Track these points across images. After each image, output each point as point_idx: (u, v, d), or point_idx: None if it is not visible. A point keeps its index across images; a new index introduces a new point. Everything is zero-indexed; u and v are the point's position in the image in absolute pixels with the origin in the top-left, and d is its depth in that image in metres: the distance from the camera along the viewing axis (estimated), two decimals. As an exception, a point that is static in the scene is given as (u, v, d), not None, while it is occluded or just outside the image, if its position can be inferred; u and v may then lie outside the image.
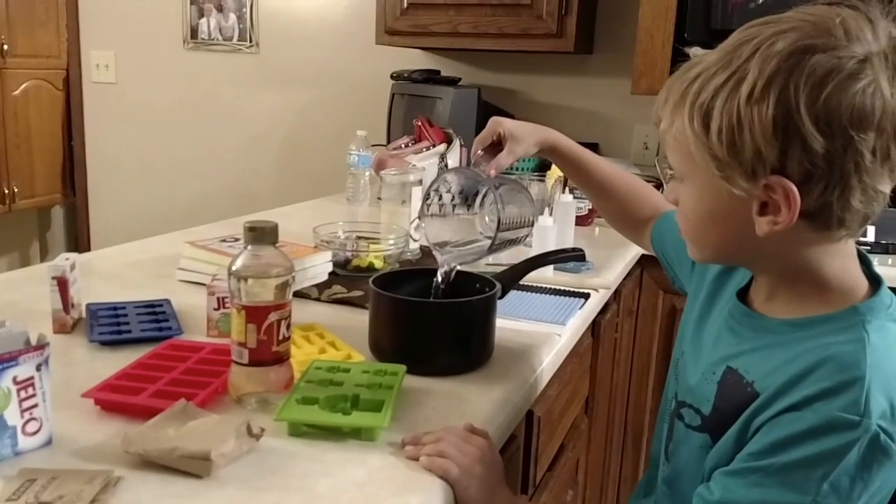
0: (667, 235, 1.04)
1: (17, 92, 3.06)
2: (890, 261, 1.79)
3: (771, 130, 0.63)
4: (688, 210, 0.75)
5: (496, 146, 1.06)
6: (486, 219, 1.04)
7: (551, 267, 1.42)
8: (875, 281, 0.74)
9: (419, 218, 1.08)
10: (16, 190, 3.09)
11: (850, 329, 0.68)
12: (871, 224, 1.82)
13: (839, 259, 0.72)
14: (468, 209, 1.05)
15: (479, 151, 1.06)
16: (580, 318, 1.29)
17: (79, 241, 3.38)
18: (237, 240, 1.36)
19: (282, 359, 0.85)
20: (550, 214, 1.58)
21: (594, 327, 1.51)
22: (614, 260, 1.65)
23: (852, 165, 0.63)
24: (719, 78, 0.66)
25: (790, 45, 0.63)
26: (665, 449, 0.87)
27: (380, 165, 1.99)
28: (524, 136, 1.06)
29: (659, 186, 2.14)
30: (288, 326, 0.85)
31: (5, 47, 2.98)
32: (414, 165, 1.88)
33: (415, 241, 1.59)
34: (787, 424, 0.66)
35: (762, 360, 0.72)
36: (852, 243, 0.73)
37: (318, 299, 1.26)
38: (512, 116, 2.53)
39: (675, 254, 1.02)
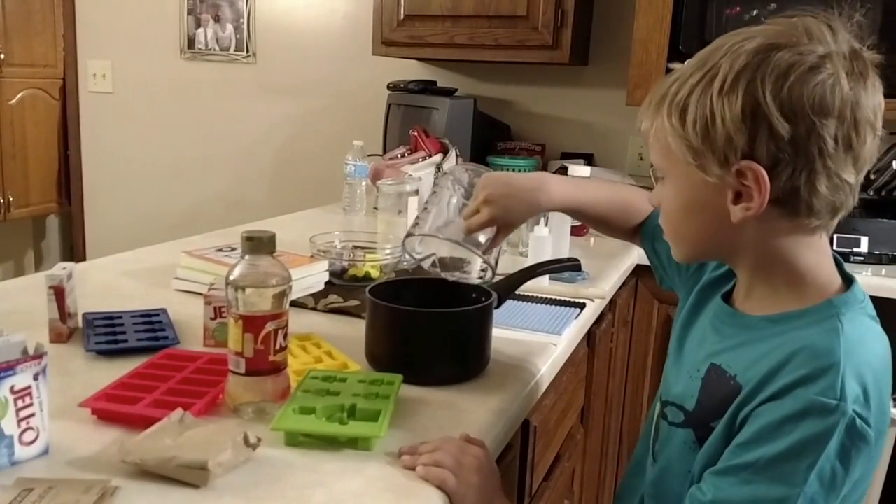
0: (657, 231, 1.05)
1: (13, 101, 3.07)
2: (883, 271, 1.80)
3: (740, 118, 0.69)
4: (667, 205, 0.80)
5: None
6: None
7: (547, 277, 1.42)
8: (847, 280, 0.78)
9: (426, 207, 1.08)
10: (11, 199, 3.09)
11: (825, 321, 0.72)
12: (865, 235, 1.83)
13: (813, 254, 0.76)
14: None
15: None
16: (576, 327, 1.29)
17: (74, 250, 3.37)
18: (234, 249, 1.36)
19: (279, 368, 0.86)
20: (546, 225, 1.59)
21: (590, 337, 1.52)
22: (609, 270, 1.66)
23: (816, 150, 0.68)
24: (694, 78, 0.72)
25: (757, 45, 0.70)
26: (652, 450, 0.89)
27: (376, 175, 2.00)
28: (514, 220, 1.05)
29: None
30: (285, 336, 0.86)
31: (2, 56, 2.99)
32: (410, 175, 1.88)
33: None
34: (768, 413, 0.69)
35: (743, 355, 0.76)
36: (826, 240, 0.77)
37: (314, 309, 1.26)
38: (507, 128, 2.56)
39: (666, 253, 1.04)
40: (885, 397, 0.71)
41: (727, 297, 0.85)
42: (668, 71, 0.78)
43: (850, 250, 1.83)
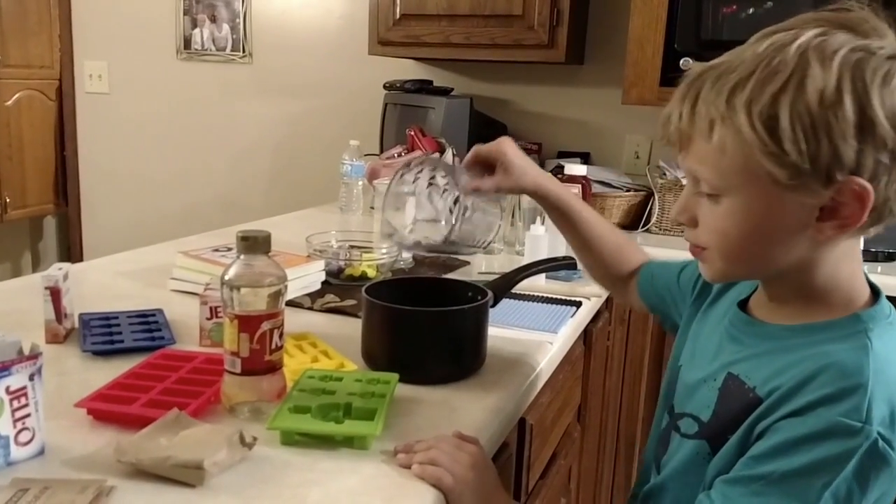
0: (656, 282, 1.04)
1: (9, 102, 3.07)
2: (879, 268, 1.80)
3: (851, 131, 0.63)
4: (728, 227, 0.71)
5: (488, 166, 1.03)
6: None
7: (543, 275, 1.43)
8: (874, 291, 0.75)
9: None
10: (7, 200, 3.09)
11: (852, 336, 0.69)
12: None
13: (851, 264, 0.73)
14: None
15: (469, 160, 1.04)
16: (572, 326, 1.30)
17: (71, 251, 3.37)
18: (230, 249, 1.36)
19: (274, 368, 0.86)
20: (542, 223, 1.59)
21: (586, 335, 1.52)
22: (606, 268, 1.66)
23: None
24: (774, 84, 0.64)
25: (841, 43, 0.64)
26: (656, 462, 0.86)
27: (373, 175, 2.00)
28: (519, 174, 1.02)
29: (650, 196, 2.16)
30: (281, 335, 0.86)
31: (-2, 58, 2.99)
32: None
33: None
34: (788, 429, 0.66)
35: (763, 365, 0.72)
36: (859, 249, 0.74)
37: (310, 308, 1.27)
38: (504, 126, 2.56)
39: (668, 294, 1.01)
40: None
41: (742, 305, 0.81)
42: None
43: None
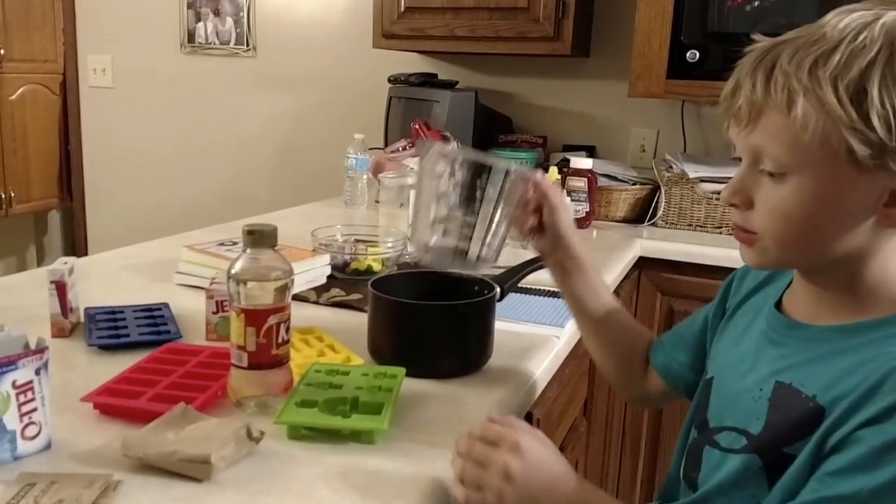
0: (673, 345, 0.96)
1: (13, 96, 3.07)
2: None
3: None
4: (792, 208, 0.67)
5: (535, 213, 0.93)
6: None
7: (549, 269, 1.42)
8: None
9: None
10: (12, 194, 3.09)
11: None
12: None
13: None
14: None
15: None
16: (578, 320, 1.29)
17: (76, 245, 3.37)
18: (235, 243, 1.36)
19: (281, 362, 0.85)
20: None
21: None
22: (612, 262, 1.65)
23: None
24: (862, 58, 0.62)
25: None
26: (686, 478, 0.82)
27: (377, 169, 2.00)
28: (563, 218, 0.93)
29: (656, 189, 2.15)
30: (287, 329, 0.85)
31: (2, 52, 2.99)
32: (411, 168, 1.88)
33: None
34: (869, 439, 0.61)
35: (818, 372, 0.68)
36: None
37: (316, 302, 1.26)
38: (509, 120, 2.56)
39: (692, 339, 0.93)
40: None
41: (777, 306, 0.78)
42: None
43: None
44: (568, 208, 0.96)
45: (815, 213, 0.67)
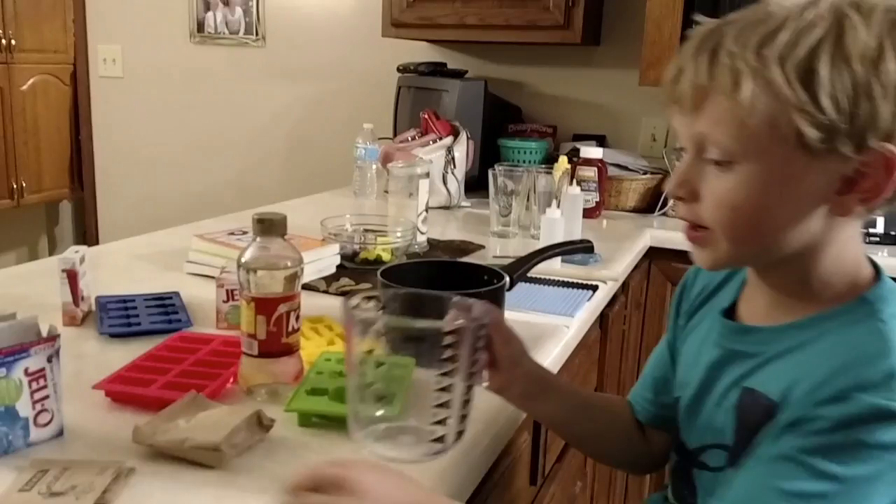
0: (647, 390, 0.91)
1: (24, 87, 3.08)
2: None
3: (893, 91, 0.58)
4: (741, 199, 0.63)
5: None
6: None
7: (559, 259, 1.42)
8: (875, 267, 0.69)
9: None
10: (24, 185, 3.11)
11: (864, 321, 0.64)
12: (880, 216, 1.81)
13: (856, 247, 0.68)
14: None
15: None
16: (588, 310, 1.29)
17: (87, 235, 3.39)
18: (245, 233, 1.36)
19: (291, 350, 0.86)
20: (558, 206, 1.58)
21: (602, 319, 1.51)
22: (622, 252, 1.65)
23: None
24: (809, 37, 0.58)
25: (877, 4, 0.60)
26: (680, 497, 0.79)
27: (386, 158, 1.99)
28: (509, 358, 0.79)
29: (667, 179, 2.13)
30: (297, 318, 0.86)
31: (13, 42, 3.00)
32: (421, 158, 1.88)
33: (422, 233, 1.60)
34: (827, 414, 0.60)
35: (778, 372, 0.66)
36: (860, 230, 0.68)
37: (326, 292, 1.26)
38: (519, 110, 2.54)
39: (663, 372, 0.88)
40: None
41: (729, 315, 0.75)
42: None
43: (865, 231, 1.81)
44: (516, 337, 0.79)
45: (764, 202, 0.63)
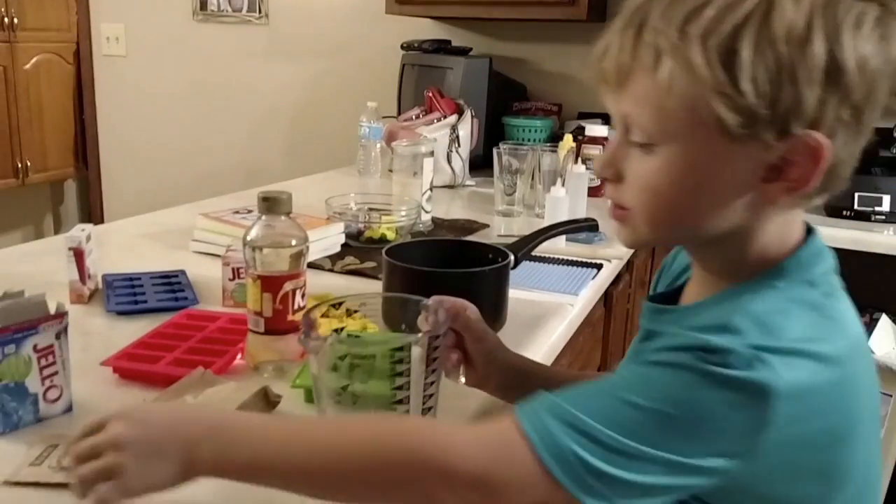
0: None
1: (28, 66, 3.06)
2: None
3: (818, 75, 0.54)
4: (660, 183, 0.60)
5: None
6: None
7: (563, 237, 1.42)
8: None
9: None
10: (28, 164, 3.11)
11: (758, 291, 0.60)
12: (887, 194, 1.81)
13: (792, 229, 0.63)
14: None
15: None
16: (592, 288, 1.29)
17: (92, 214, 3.40)
18: (250, 211, 1.37)
19: (297, 328, 0.86)
20: (563, 185, 1.58)
21: (606, 298, 1.51)
22: (627, 231, 1.65)
23: (869, 116, 0.57)
24: (736, 14, 0.54)
25: None
26: None
27: (391, 137, 1.99)
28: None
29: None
30: (303, 296, 0.86)
31: (15, 21, 2.98)
32: (425, 136, 1.87)
33: (426, 212, 1.60)
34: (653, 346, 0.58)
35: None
36: (802, 220, 0.65)
37: (331, 270, 1.27)
38: (523, 87, 2.53)
39: None
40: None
41: (665, 300, 0.72)
42: None
43: (871, 209, 1.81)
44: (489, 332, 0.80)
45: (685, 188, 0.60)
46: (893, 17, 0.56)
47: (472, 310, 0.80)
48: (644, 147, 0.60)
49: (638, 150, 0.61)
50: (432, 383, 0.74)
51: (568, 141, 1.76)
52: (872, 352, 0.65)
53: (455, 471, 0.57)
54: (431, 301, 0.77)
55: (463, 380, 0.82)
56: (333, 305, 0.78)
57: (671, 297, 0.73)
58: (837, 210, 1.84)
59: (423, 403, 0.73)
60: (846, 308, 0.62)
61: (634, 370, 0.58)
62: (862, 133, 0.58)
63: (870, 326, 1.81)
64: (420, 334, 0.73)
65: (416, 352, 0.71)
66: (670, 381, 0.55)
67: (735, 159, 0.57)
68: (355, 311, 0.84)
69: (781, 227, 0.62)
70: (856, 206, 1.82)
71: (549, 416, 0.55)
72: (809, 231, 0.65)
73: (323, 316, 0.77)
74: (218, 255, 1.15)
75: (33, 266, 1.24)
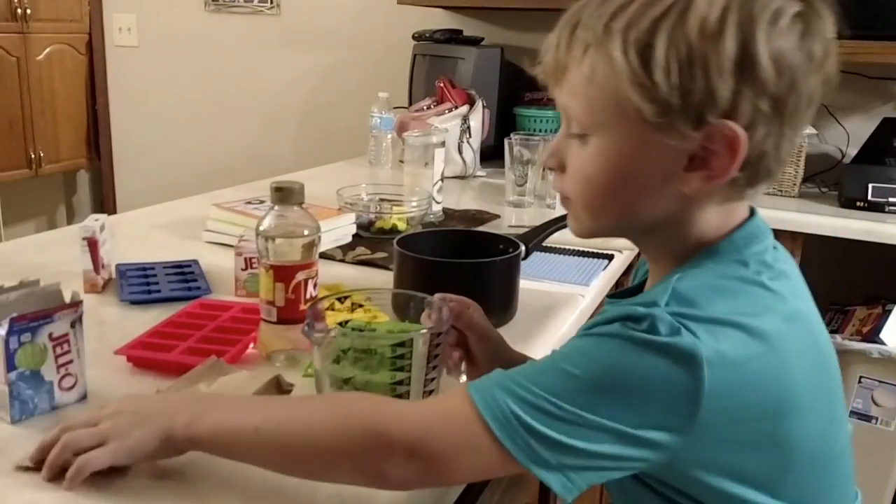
0: None
1: (40, 57, 3.08)
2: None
3: (729, 67, 0.56)
4: (593, 172, 0.64)
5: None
6: None
7: (575, 228, 1.41)
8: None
9: None
10: (42, 154, 3.13)
11: (688, 272, 0.62)
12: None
13: (731, 216, 0.65)
14: None
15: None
16: (603, 278, 1.29)
17: (105, 204, 3.41)
18: (262, 202, 1.37)
19: (309, 317, 0.87)
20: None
21: (617, 289, 1.51)
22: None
23: (792, 108, 0.59)
24: (655, 9, 0.57)
25: None
26: None
27: (402, 128, 1.99)
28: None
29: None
30: (315, 286, 0.87)
31: (28, 12, 2.99)
32: (436, 127, 1.87)
33: (437, 203, 1.60)
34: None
35: None
36: (744, 214, 0.66)
37: (342, 261, 1.27)
38: (535, 78, 2.51)
39: None
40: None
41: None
42: None
43: (885, 200, 1.80)
44: (491, 331, 0.84)
45: (615, 177, 0.63)
46: (815, 14, 0.59)
47: (475, 308, 0.82)
48: (580, 138, 0.64)
49: (576, 142, 0.65)
50: (433, 379, 0.75)
51: (579, 131, 1.76)
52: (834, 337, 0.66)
53: (392, 439, 0.59)
54: (436, 298, 0.79)
55: (464, 378, 0.84)
56: (339, 299, 0.79)
57: (635, 291, 0.75)
58: (851, 201, 1.83)
59: (423, 399, 0.75)
60: (783, 286, 0.63)
61: (571, 344, 0.61)
62: (789, 125, 0.60)
63: (883, 317, 1.80)
64: (423, 330, 0.75)
65: (419, 346, 0.72)
66: (601, 350, 0.58)
67: (658, 148, 0.60)
68: (360, 306, 0.86)
69: (721, 213, 0.64)
70: (869, 197, 1.80)
71: (496, 387, 0.58)
72: (753, 215, 0.67)
73: (329, 309, 0.79)
74: (231, 245, 1.15)
75: (48, 256, 1.25)
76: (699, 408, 0.55)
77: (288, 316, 0.85)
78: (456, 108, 2.07)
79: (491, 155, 2.13)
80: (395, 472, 0.59)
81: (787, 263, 0.67)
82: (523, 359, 0.84)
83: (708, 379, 0.55)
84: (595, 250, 1.39)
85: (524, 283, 1.08)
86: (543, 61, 0.66)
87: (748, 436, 0.59)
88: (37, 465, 0.65)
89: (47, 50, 3.10)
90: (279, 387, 0.77)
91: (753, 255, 0.63)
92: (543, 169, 1.76)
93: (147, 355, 0.85)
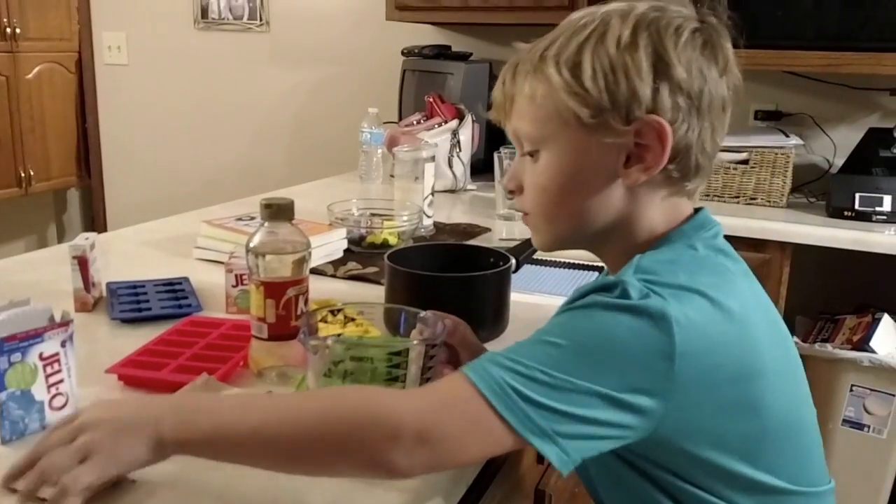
0: None
1: (30, 75, 3.08)
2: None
3: (647, 69, 0.67)
4: (543, 181, 0.73)
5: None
6: None
7: (565, 241, 1.42)
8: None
9: None
10: (32, 173, 3.12)
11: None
12: (888, 194, 1.81)
13: (674, 212, 0.73)
14: None
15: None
16: (594, 291, 1.29)
17: (95, 222, 3.41)
18: (252, 218, 1.37)
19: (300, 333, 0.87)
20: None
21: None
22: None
23: (707, 105, 0.69)
24: (579, 37, 0.70)
25: (644, 8, 0.71)
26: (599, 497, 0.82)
27: (392, 142, 1.99)
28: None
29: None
30: (306, 302, 0.87)
31: (17, 30, 2.99)
32: (426, 142, 1.88)
33: (428, 217, 1.60)
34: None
35: None
36: (689, 211, 0.75)
37: (333, 276, 1.27)
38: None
39: None
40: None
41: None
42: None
43: (872, 209, 1.81)
44: (483, 349, 0.88)
45: (565, 182, 0.72)
46: (712, 28, 0.71)
47: (465, 326, 0.88)
48: (532, 155, 0.74)
49: (529, 160, 0.74)
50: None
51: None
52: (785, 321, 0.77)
53: (400, 425, 0.60)
54: (430, 313, 0.82)
55: None
56: (332, 312, 0.80)
57: None
58: (839, 210, 1.84)
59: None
60: (738, 268, 0.71)
61: (552, 321, 0.67)
62: (707, 120, 0.70)
63: (872, 326, 1.81)
64: (417, 340, 0.76)
65: (413, 356, 0.74)
66: (580, 319, 0.65)
67: (598, 148, 0.70)
68: (352, 320, 0.86)
69: (667, 209, 0.73)
70: (857, 207, 1.82)
71: (490, 364, 0.62)
72: (699, 211, 0.75)
73: (321, 321, 0.79)
74: (221, 262, 1.15)
75: (38, 275, 1.24)
76: (674, 365, 0.61)
77: (279, 332, 0.85)
78: (445, 122, 2.08)
79: (481, 168, 2.14)
80: (401, 460, 0.60)
81: (737, 258, 0.74)
82: None
83: (678, 336, 0.61)
84: (586, 262, 1.40)
85: (515, 296, 1.08)
86: (494, 101, 0.76)
87: (723, 399, 0.65)
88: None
89: (37, 68, 3.10)
90: (271, 403, 0.77)
91: (704, 241, 0.72)
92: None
93: (138, 374, 0.85)
